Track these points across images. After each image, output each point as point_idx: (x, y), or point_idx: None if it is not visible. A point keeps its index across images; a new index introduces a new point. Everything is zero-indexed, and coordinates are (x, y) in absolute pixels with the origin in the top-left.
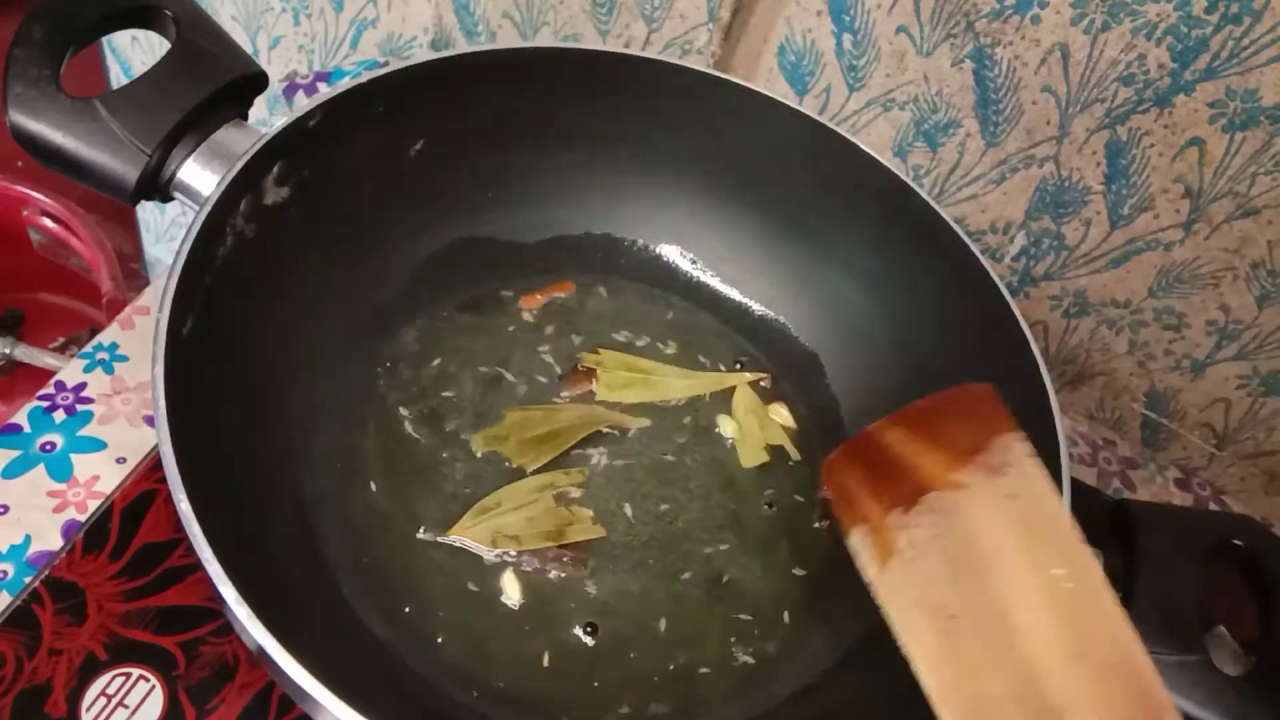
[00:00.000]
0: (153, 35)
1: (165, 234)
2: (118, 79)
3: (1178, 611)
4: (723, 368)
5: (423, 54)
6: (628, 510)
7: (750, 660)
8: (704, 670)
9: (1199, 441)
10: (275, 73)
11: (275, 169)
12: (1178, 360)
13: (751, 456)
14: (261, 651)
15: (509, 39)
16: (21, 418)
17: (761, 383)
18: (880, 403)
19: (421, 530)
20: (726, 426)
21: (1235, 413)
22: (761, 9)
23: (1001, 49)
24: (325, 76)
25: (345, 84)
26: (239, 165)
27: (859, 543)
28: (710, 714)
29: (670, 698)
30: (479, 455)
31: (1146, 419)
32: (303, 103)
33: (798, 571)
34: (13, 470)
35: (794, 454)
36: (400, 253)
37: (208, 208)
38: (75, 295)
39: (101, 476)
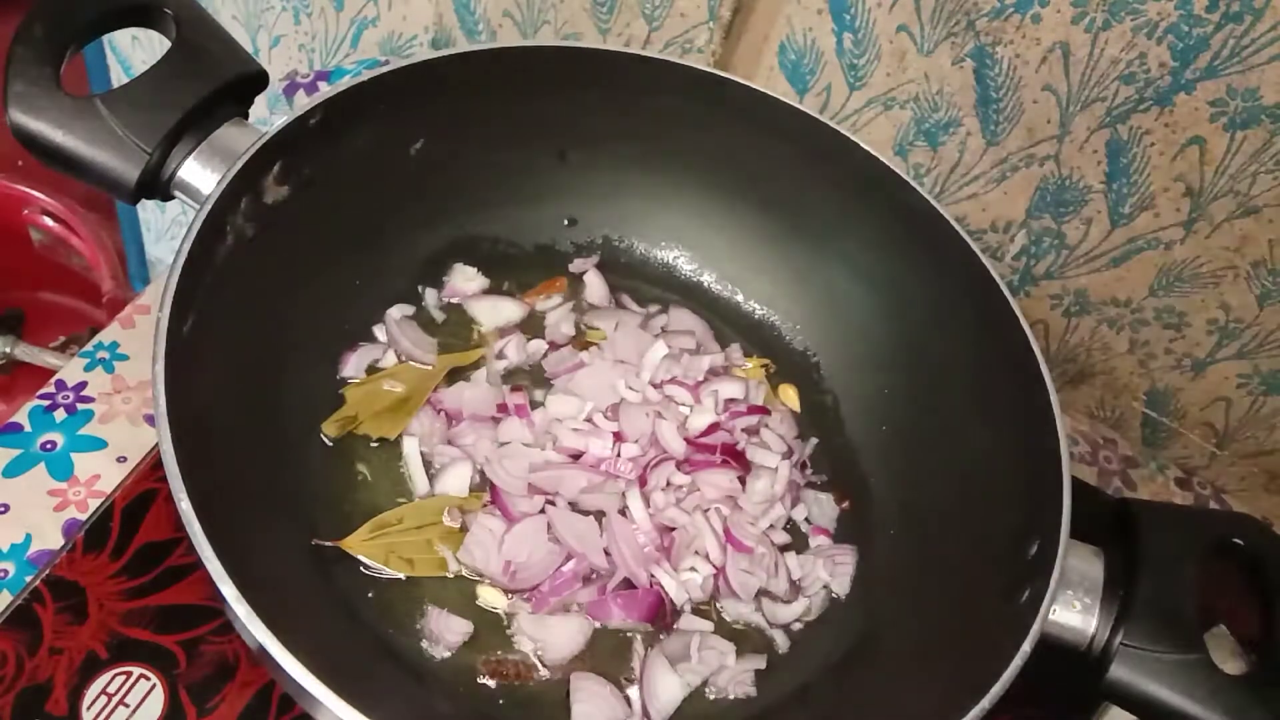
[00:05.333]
0: (153, 34)
1: (165, 233)
2: (118, 78)
3: (1178, 611)
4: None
5: (423, 53)
6: None
7: (750, 659)
8: None
9: (1199, 440)
10: (276, 72)
11: (275, 168)
12: (1178, 359)
13: None
14: (262, 650)
15: (510, 38)
16: (22, 417)
17: (768, 369)
18: (881, 401)
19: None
20: None
21: (1236, 411)
22: (762, 8)
23: (1002, 48)
24: (326, 75)
25: (346, 83)
26: (239, 164)
27: None
28: (710, 713)
29: None
30: (329, 443)
31: (1147, 418)
32: (303, 102)
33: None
34: (13, 469)
35: None
36: (400, 251)
37: (208, 206)
38: (76, 294)
39: (102, 475)
